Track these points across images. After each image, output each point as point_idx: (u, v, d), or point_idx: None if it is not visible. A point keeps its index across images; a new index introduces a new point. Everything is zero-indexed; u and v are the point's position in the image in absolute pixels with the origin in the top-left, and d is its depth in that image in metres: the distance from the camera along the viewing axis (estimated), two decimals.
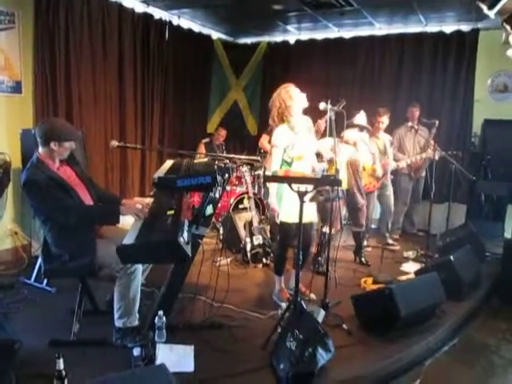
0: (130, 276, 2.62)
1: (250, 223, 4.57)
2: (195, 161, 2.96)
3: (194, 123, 6.78)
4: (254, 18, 6.04)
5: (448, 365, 2.97)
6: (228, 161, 2.92)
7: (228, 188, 5.07)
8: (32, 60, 4.38)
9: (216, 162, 2.87)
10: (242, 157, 3.57)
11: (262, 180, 5.51)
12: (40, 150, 2.69)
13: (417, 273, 3.94)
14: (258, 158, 3.41)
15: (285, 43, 6.91)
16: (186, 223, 2.50)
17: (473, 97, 5.72)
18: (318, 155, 3.54)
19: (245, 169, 5.17)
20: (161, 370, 1.98)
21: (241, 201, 5.19)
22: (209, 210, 2.73)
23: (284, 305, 3.21)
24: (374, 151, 4.79)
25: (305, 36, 6.71)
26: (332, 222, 3.44)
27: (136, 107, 5.68)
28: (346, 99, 3.95)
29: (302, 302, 2.87)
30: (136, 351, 2.48)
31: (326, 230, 4.05)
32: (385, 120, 4.97)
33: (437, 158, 4.70)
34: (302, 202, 2.70)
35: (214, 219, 5.03)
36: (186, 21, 6.19)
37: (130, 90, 5.52)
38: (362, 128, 4.33)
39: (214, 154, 4.03)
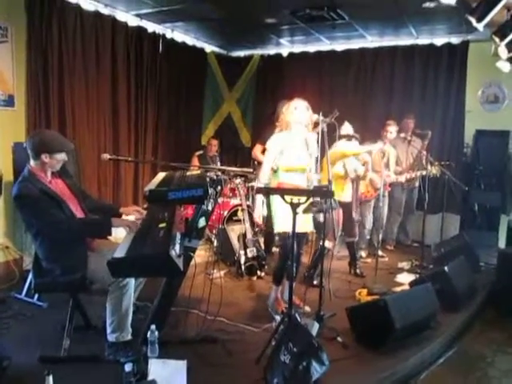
0: (121, 289, 2.59)
1: (244, 235, 4.55)
2: (187, 173, 2.96)
3: (187, 135, 6.79)
4: (247, 31, 6.10)
5: (443, 377, 2.95)
6: (221, 173, 2.91)
7: (222, 200, 5.05)
8: (25, 74, 4.38)
9: (208, 174, 2.86)
10: (235, 169, 3.57)
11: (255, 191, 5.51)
12: (31, 162, 2.67)
13: (411, 284, 3.93)
14: (251, 170, 3.40)
15: (278, 56, 6.98)
16: (179, 236, 2.48)
17: (464, 107, 5.78)
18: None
19: (238, 181, 5.16)
20: None
21: (235, 213, 5.17)
22: (201, 222, 2.71)
23: (278, 317, 3.18)
24: (368, 159, 4.80)
25: (297, 49, 6.78)
26: (326, 234, 3.43)
27: (129, 120, 5.68)
28: (338, 110, 3.98)
29: (297, 315, 2.85)
30: (127, 367, 2.43)
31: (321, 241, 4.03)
32: (392, 130, 5.00)
33: (438, 175, 4.71)
34: (294, 213, 2.69)
35: (207, 231, 5.01)
36: (179, 34, 6.23)
37: (123, 102, 5.52)
38: (350, 137, 4.34)
39: (206, 167, 4.02)
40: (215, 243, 4.92)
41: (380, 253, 5.02)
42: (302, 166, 3.39)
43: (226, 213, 5.05)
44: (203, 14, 5.22)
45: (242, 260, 4.41)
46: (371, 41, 6.14)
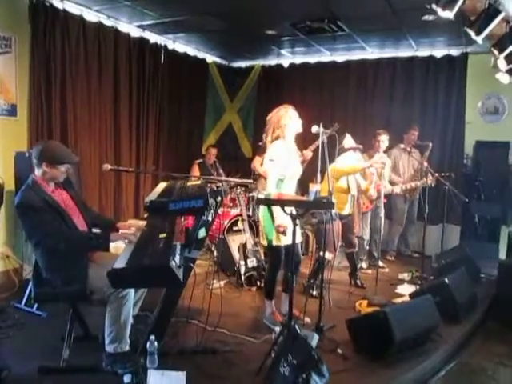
0: (121, 300, 2.58)
1: (244, 245, 4.54)
2: (188, 183, 2.97)
3: (189, 145, 6.82)
4: (248, 42, 6.16)
5: None
6: (221, 183, 2.92)
7: (222, 210, 5.06)
8: (28, 84, 4.42)
9: (209, 185, 2.87)
10: (236, 179, 3.58)
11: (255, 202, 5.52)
12: (36, 172, 2.69)
13: (412, 295, 3.91)
14: (251, 181, 3.41)
15: (279, 66, 7.03)
16: (179, 247, 2.48)
17: (464, 119, 5.81)
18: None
19: (239, 191, 5.17)
20: None
21: (235, 223, 5.17)
22: (201, 233, 2.71)
23: (278, 329, 3.16)
24: (373, 171, 4.83)
25: (298, 60, 6.83)
26: (327, 245, 3.43)
27: (131, 130, 5.71)
28: (339, 122, 4.01)
29: (296, 326, 2.84)
30: (127, 378, 2.43)
31: (321, 253, 4.03)
32: (385, 139, 5.01)
33: (432, 185, 4.74)
34: (294, 225, 2.70)
35: (208, 241, 5.01)
36: (181, 45, 6.30)
37: (125, 113, 5.56)
38: (354, 149, 4.35)
39: (207, 177, 4.03)
40: (215, 253, 4.92)
41: (380, 264, 5.01)
42: (297, 173, 3.41)
43: (226, 223, 5.05)
44: (205, 25, 5.28)
45: (242, 270, 4.41)
46: (371, 52, 6.19)
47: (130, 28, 5.45)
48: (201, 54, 6.78)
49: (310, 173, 3.56)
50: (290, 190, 3.33)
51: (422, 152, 5.46)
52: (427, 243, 4.72)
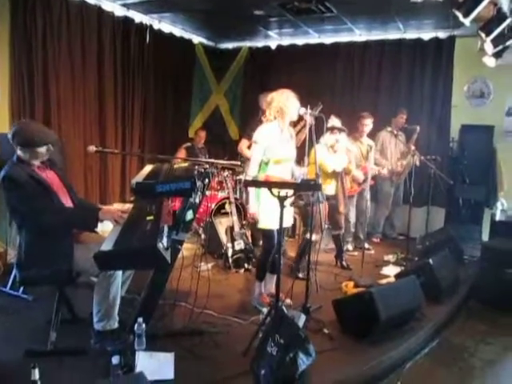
0: (109, 279, 2.57)
1: (232, 228, 4.55)
2: (175, 166, 2.94)
3: (175, 128, 6.75)
4: (235, 23, 6.06)
5: (428, 367, 3.00)
6: (208, 166, 2.90)
7: (209, 193, 5.04)
8: (8, 63, 4.31)
9: (196, 167, 2.84)
10: (223, 162, 3.55)
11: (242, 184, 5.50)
12: (17, 151, 2.64)
13: (397, 276, 3.98)
14: (239, 163, 3.39)
15: (266, 48, 6.96)
16: (166, 229, 2.47)
17: (450, 102, 5.84)
18: None
19: (226, 174, 5.15)
20: (140, 378, 1.95)
21: (222, 206, 5.17)
22: (189, 215, 2.70)
23: (265, 310, 3.20)
24: (356, 153, 4.84)
25: (286, 41, 6.76)
26: (313, 227, 3.45)
27: (116, 111, 5.62)
28: (326, 104, 3.98)
29: (283, 307, 2.87)
30: (115, 359, 2.42)
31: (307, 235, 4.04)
32: (369, 123, 5.03)
33: (418, 163, 4.78)
34: (282, 207, 2.70)
35: (195, 224, 5.00)
36: (166, 25, 6.17)
37: (110, 94, 5.46)
38: (339, 130, 4.35)
39: (194, 159, 4.00)
40: (203, 236, 4.92)
41: (366, 246, 5.07)
42: (290, 158, 3.40)
43: (213, 206, 5.04)
44: (191, 4, 5.18)
45: (230, 253, 4.42)
46: (359, 34, 6.15)
47: (114, 7, 5.31)
48: (187, 35, 6.65)
49: (298, 156, 3.55)
50: (280, 174, 3.31)
51: (409, 135, 5.50)
52: (412, 225, 4.78)
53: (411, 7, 4.72)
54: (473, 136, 5.63)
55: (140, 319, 2.52)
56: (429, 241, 4.79)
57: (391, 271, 4.44)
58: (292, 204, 3.09)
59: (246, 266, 4.43)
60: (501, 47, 3.97)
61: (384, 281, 4.12)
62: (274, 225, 3.23)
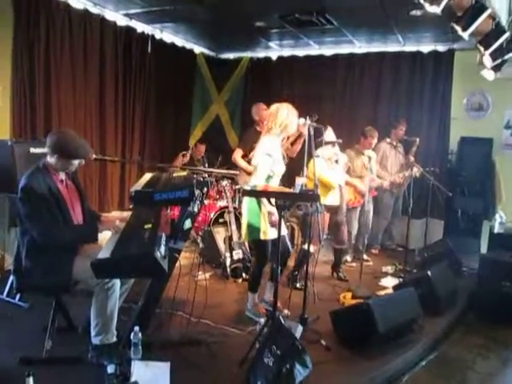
0: (107, 292, 2.55)
1: (230, 238, 4.54)
2: (174, 174, 2.95)
3: (175, 136, 6.77)
4: (236, 33, 6.11)
5: (425, 380, 2.98)
6: (207, 175, 2.91)
7: (208, 202, 5.05)
8: (11, 70, 4.32)
9: (195, 176, 2.86)
10: (222, 171, 3.56)
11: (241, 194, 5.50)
12: (48, 158, 2.64)
13: (395, 288, 3.96)
14: (237, 172, 3.39)
15: (267, 59, 7.00)
16: (164, 237, 2.47)
17: (449, 115, 5.87)
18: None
19: (225, 183, 5.16)
20: None
21: (221, 215, 5.16)
22: (187, 224, 2.71)
23: (262, 320, 3.18)
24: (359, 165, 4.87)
25: (286, 52, 6.81)
26: (312, 237, 3.45)
27: (117, 120, 5.64)
28: (326, 115, 4.01)
29: (280, 317, 2.86)
30: (110, 368, 2.42)
31: (305, 247, 4.02)
32: (376, 140, 5.06)
33: (418, 175, 4.80)
34: (280, 216, 2.70)
35: (193, 233, 4.99)
36: (168, 35, 6.21)
37: (110, 102, 5.49)
38: (333, 144, 4.36)
39: (193, 168, 4.01)
40: (201, 245, 4.91)
41: (365, 257, 5.06)
42: (282, 172, 3.41)
43: (212, 215, 5.04)
44: (193, 15, 5.22)
45: (228, 262, 4.41)
46: (359, 46, 6.20)
47: (117, 16, 5.35)
48: (188, 45, 6.70)
49: (296, 166, 3.56)
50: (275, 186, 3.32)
51: (408, 147, 5.52)
52: (411, 237, 4.78)
53: (411, 20, 4.77)
54: (472, 148, 5.65)
55: (136, 328, 2.52)
56: (427, 252, 4.78)
57: (389, 283, 4.43)
58: (291, 214, 3.09)
59: (243, 275, 4.41)
60: (499, 61, 3.99)
61: (382, 292, 4.11)
62: (267, 235, 3.23)
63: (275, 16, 5.01)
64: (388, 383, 2.84)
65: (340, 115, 6.28)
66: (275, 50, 6.83)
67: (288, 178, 3.65)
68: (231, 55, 7.31)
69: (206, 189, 2.77)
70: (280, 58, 6.87)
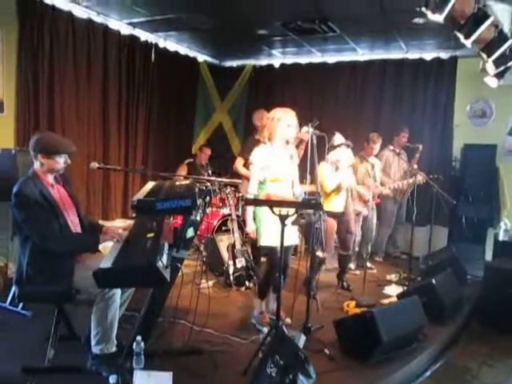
0: (107, 301, 2.55)
1: (233, 246, 4.53)
2: (177, 183, 2.94)
3: (178, 145, 6.79)
4: (239, 41, 6.14)
5: None
6: (210, 183, 2.90)
7: (211, 210, 5.04)
8: (15, 80, 4.36)
9: (198, 185, 2.85)
10: (225, 179, 3.56)
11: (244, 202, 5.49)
12: (35, 164, 2.65)
13: (399, 296, 3.93)
14: (240, 181, 3.39)
15: (270, 67, 7.03)
16: (166, 246, 2.47)
17: (453, 122, 5.87)
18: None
19: (228, 191, 5.15)
20: None
21: (224, 223, 5.16)
22: (189, 232, 2.69)
23: (265, 329, 3.16)
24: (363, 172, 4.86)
25: (289, 60, 6.84)
26: (314, 245, 3.43)
27: (120, 128, 5.66)
28: (329, 122, 4.01)
29: (284, 327, 2.84)
30: (112, 379, 2.41)
31: (318, 253, 3.96)
32: (379, 146, 5.06)
33: (422, 182, 4.78)
34: (283, 225, 2.69)
35: (196, 241, 4.99)
36: (172, 43, 6.26)
37: (114, 111, 5.51)
38: (346, 145, 4.35)
39: (196, 177, 4.01)
40: (204, 253, 4.90)
41: (369, 265, 5.04)
42: (288, 176, 3.40)
43: (215, 223, 5.03)
44: (196, 23, 5.26)
45: (231, 270, 4.39)
46: (362, 54, 6.22)
47: (121, 25, 5.40)
48: (192, 53, 6.74)
49: (300, 174, 3.56)
50: (279, 192, 3.31)
51: (411, 154, 5.51)
52: (415, 244, 4.76)
53: (413, 28, 4.79)
54: (475, 155, 5.63)
55: (139, 337, 2.50)
56: (432, 260, 4.75)
57: (393, 291, 4.39)
58: (293, 223, 3.07)
59: (247, 283, 4.40)
60: (502, 68, 3.99)
61: (386, 301, 4.08)
62: (274, 242, 3.22)
63: (278, 24, 5.04)
64: None
65: (343, 122, 6.26)
66: (278, 58, 6.86)
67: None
68: (234, 63, 7.34)
69: (208, 197, 2.76)
70: (283, 66, 6.90)
